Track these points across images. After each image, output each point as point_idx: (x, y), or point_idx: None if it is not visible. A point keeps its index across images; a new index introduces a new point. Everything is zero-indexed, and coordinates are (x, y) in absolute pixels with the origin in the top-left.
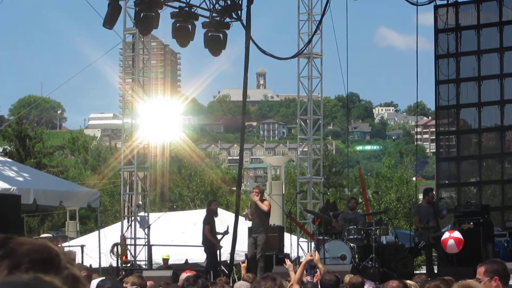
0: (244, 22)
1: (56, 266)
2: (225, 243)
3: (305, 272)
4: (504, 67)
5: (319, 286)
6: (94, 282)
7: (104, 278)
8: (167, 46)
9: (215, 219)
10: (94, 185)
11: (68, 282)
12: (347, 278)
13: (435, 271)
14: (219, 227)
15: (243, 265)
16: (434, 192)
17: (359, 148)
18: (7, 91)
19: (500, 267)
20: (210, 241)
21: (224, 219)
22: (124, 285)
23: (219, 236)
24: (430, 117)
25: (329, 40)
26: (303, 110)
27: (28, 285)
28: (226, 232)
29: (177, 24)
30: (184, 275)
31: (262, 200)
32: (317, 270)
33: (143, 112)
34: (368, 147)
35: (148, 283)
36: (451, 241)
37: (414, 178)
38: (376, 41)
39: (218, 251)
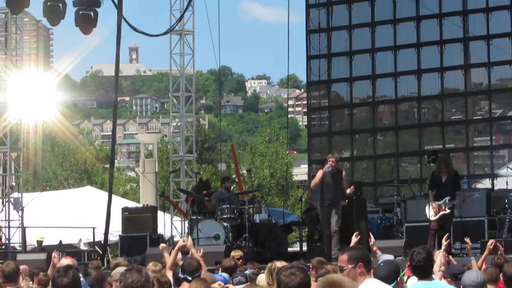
0: (116, 0)
1: None
2: (99, 223)
3: (180, 256)
4: (376, 41)
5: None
6: None
7: None
8: (39, 22)
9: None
10: None
11: None
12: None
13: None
14: (94, 207)
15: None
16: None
17: None
18: None
19: (364, 253)
20: None
21: (98, 197)
22: None
23: None
24: (302, 90)
25: (199, 14)
26: (175, 87)
27: None
28: None
29: (48, 3)
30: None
31: (337, 170)
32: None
33: (15, 89)
34: None
35: (22, 267)
36: None
37: (287, 152)
38: (240, 15)
39: None
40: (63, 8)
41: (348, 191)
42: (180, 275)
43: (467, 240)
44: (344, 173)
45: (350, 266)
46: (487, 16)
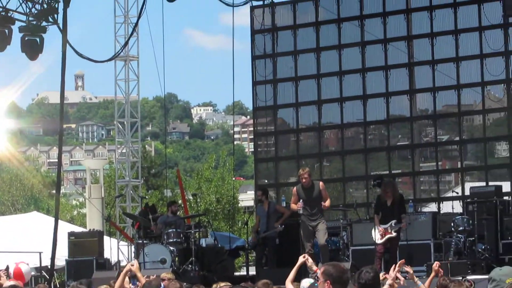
0: (61, 26)
1: None
2: (46, 248)
3: (128, 280)
4: (321, 66)
5: None
6: None
7: None
8: None
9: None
10: None
11: None
12: (163, 275)
13: (255, 273)
14: (40, 232)
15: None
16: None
17: None
18: None
19: (335, 272)
20: None
21: (45, 223)
22: None
23: None
24: (248, 117)
25: (144, 41)
26: (121, 113)
27: None
28: None
29: None
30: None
31: (312, 183)
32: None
33: None
34: None
35: None
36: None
37: (233, 178)
38: (183, 42)
39: None
40: (9, 33)
41: (325, 204)
42: None
43: (408, 268)
44: (321, 184)
45: (321, 280)
46: (432, 41)
